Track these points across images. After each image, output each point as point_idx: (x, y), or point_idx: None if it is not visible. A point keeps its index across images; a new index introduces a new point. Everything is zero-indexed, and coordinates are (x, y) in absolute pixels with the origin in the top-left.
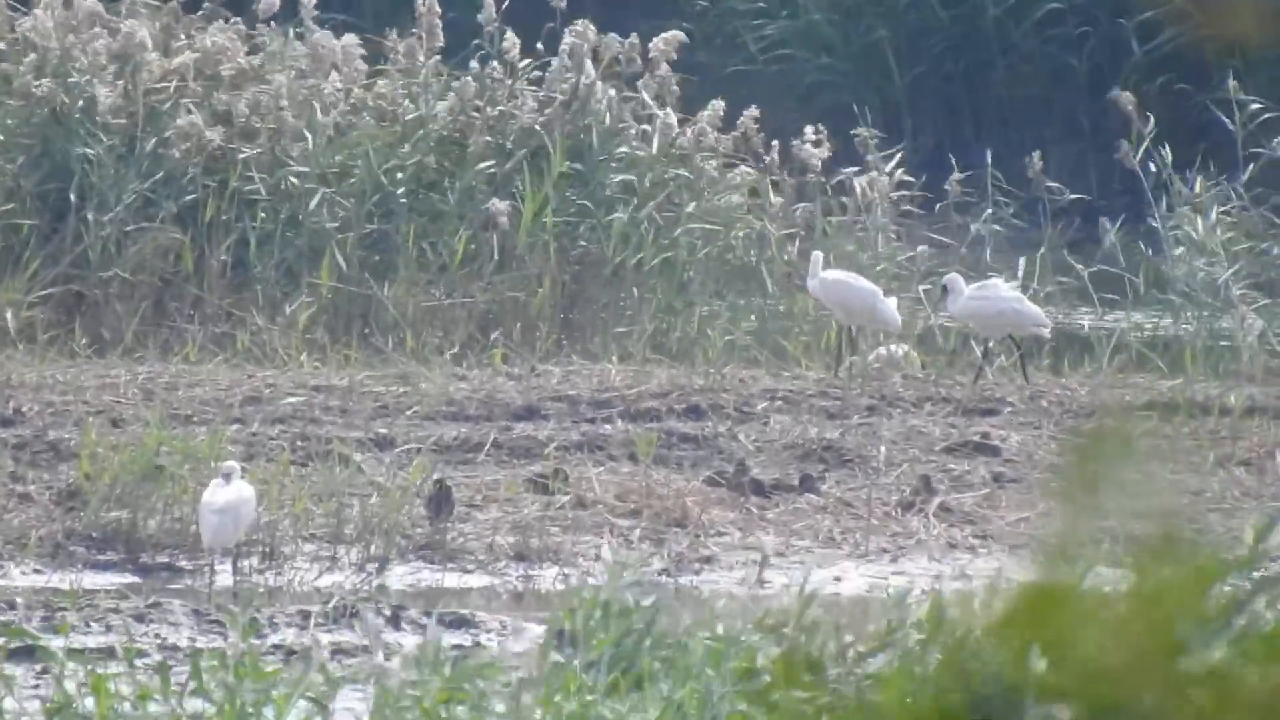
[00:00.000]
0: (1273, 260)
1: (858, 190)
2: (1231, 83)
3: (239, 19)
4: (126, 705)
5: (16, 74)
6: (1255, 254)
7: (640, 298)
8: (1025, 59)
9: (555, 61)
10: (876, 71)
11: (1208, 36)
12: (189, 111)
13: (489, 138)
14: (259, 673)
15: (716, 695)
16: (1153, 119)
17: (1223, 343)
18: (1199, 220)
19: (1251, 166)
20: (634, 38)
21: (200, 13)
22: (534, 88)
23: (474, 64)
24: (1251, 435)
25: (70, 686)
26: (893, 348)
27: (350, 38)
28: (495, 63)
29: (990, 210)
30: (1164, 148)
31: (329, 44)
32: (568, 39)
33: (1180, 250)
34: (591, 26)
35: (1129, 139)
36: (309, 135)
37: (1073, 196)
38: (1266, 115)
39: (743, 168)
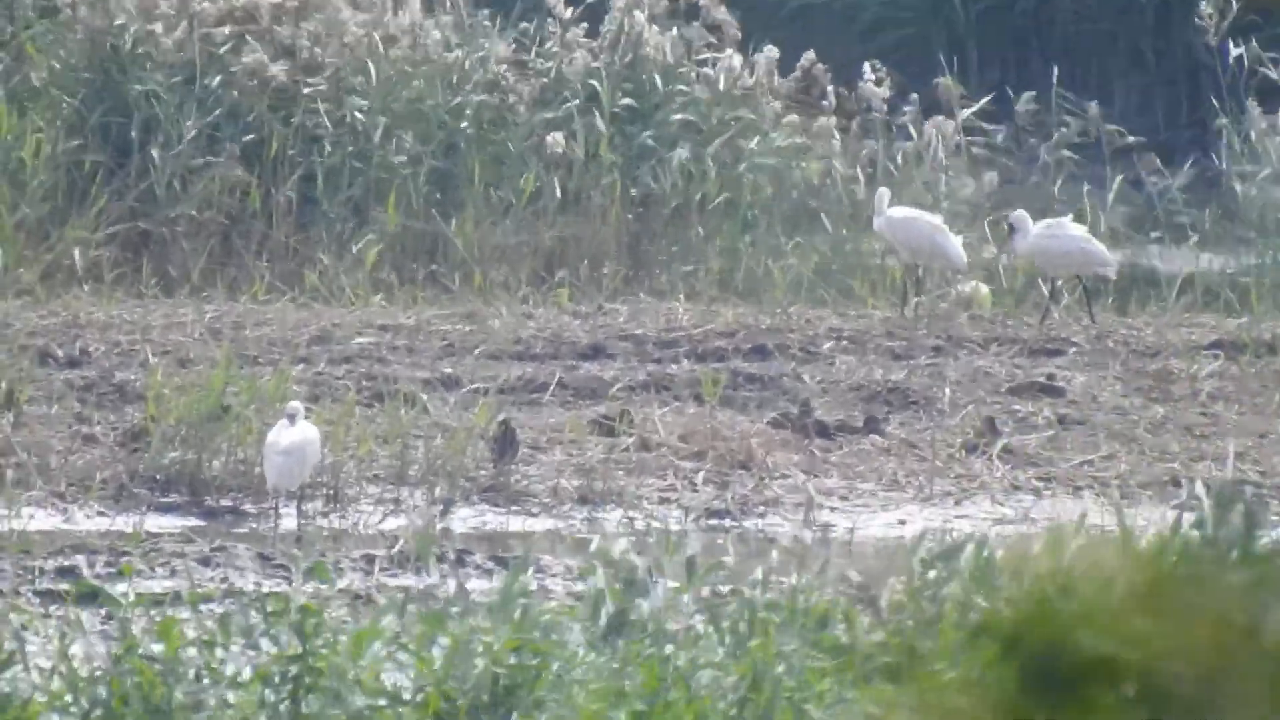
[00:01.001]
0: None
1: (929, 134)
2: None
3: None
4: (192, 650)
5: (65, 5)
6: None
7: (705, 236)
8: None
9: (611, 12)
10: (943, 5)
11: None
12: (250, 49)
13: (546, 80)
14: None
15: (789, 648)
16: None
17: None
18: (1272, 146)
19: None
20: None
21: None
22: (588, 40)
23: (524, 24)
24: None
25: (135, 630)
26: (964, 285)
27: None
28: (550, 17)
29: (1059, 133)
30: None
31: None
32: None
33: (1259, 172)
34: None
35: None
36: (373, 69)
37: (1133, 139)
38: None
39: (793, 116)
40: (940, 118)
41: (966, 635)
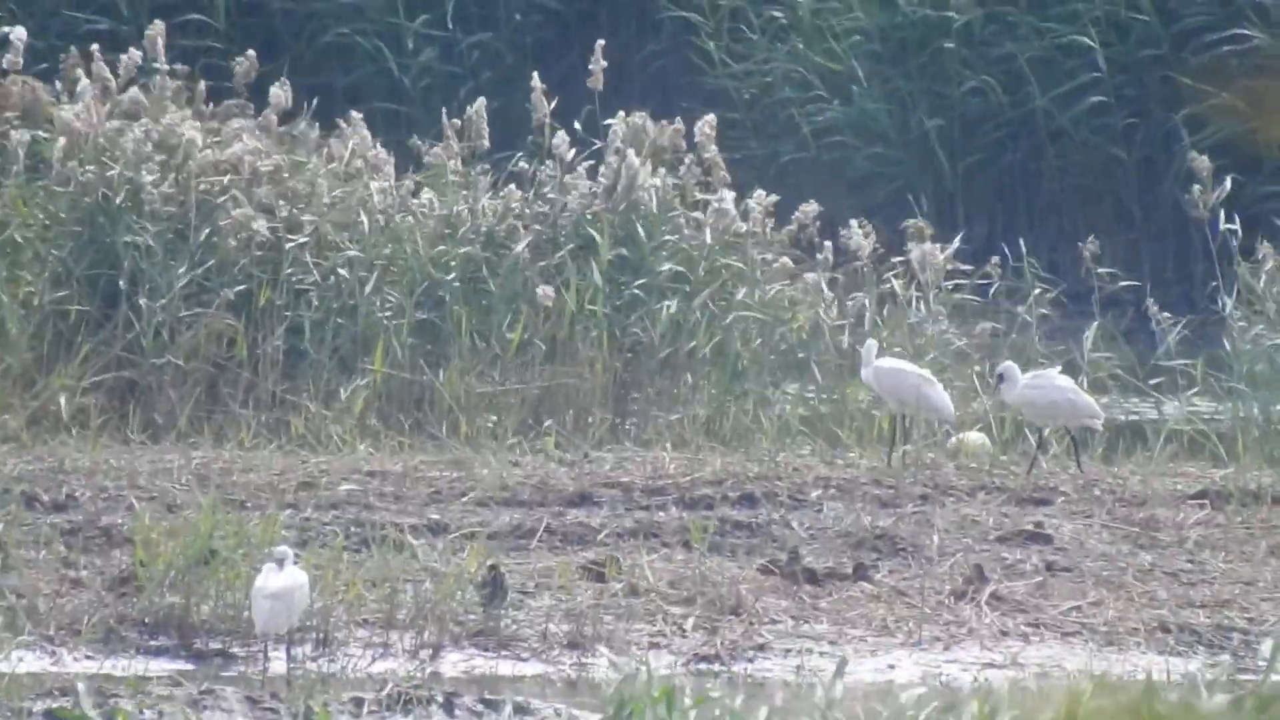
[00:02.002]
0: None
1: (914, 266)
2: None
3: (259, 115)
4: None
5: (56, 160)
6: None
7: (694, 385)
8: (1076, 149)
9: (608, 155)
10: (930, 160)
11: (1257, 130)
12: (236, 203)
13: (539, 226)
14: None
15: None
16: (1228, 181)
17: (1277, 430)
18: (1270, 298)
19: None
20: (678, 121)
21: (224, 104)
22: (588, 182)
23: (524, 164)
24: None
25: None
26: (964, 435)
27: (376, 152)
28: (549, 161)
29: (1036, 293)
30: (1234, 219)
31: (368, 150)
32: (614, 126)
33: (1251, 329)
34: (648, 117)
35: (1196, 202)
36: (364, 219)
37: (1125, 283)
38: None
39: (788, 261)
40: (924, 251)
41: None
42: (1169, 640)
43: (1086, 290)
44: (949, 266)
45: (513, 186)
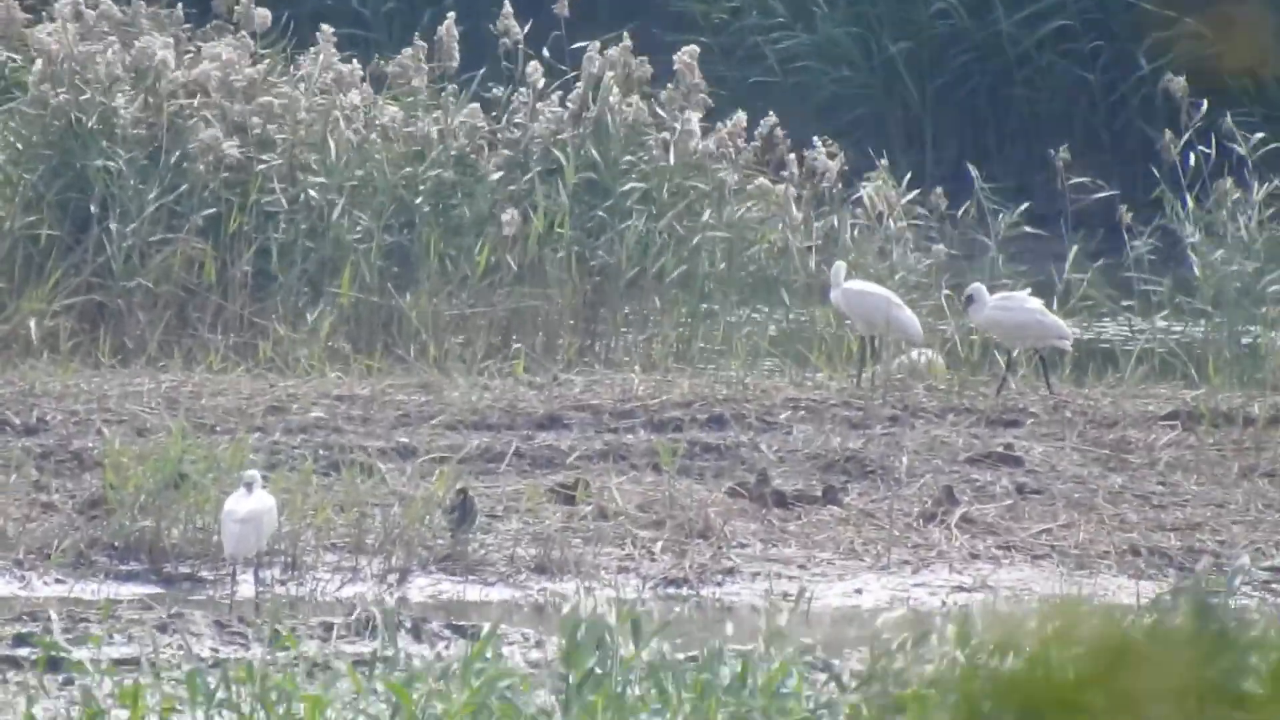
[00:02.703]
0: None
1: (866, 200)
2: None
3: (243, 33)
4: (154, 718)
5: (30, 83)
6: None
7: (662, 307)
8: (1043, 73)
9: (583, 81)
10: (897, 84)
11: (1219, 56)
12: (207, 124)
13: (508, 151)
14: (289, 682)
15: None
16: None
17: (1247, 351)
18: (1240, 219)
19: (1264, 188)
20: (645, 61)
21: (205, 27)
22: (559, 109)
23: (496, 90)
24: (1276, 446)
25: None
26: (915, 354)
27: (353, 67)
28: (523, 89)
29: (1002, 216)
30: (1209, 145)
31: (339, 65)
32: (588, 54)
33: (1215, 252)
34: (629, 42)
35: (1165, 137)
36: (332, 144)
37: (1096, 196)
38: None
39: (761, 180)
40: (881, 182)
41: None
42: (1139, 563)
43: (1055, 213)
44: (910, 195)
45: (477, 105)
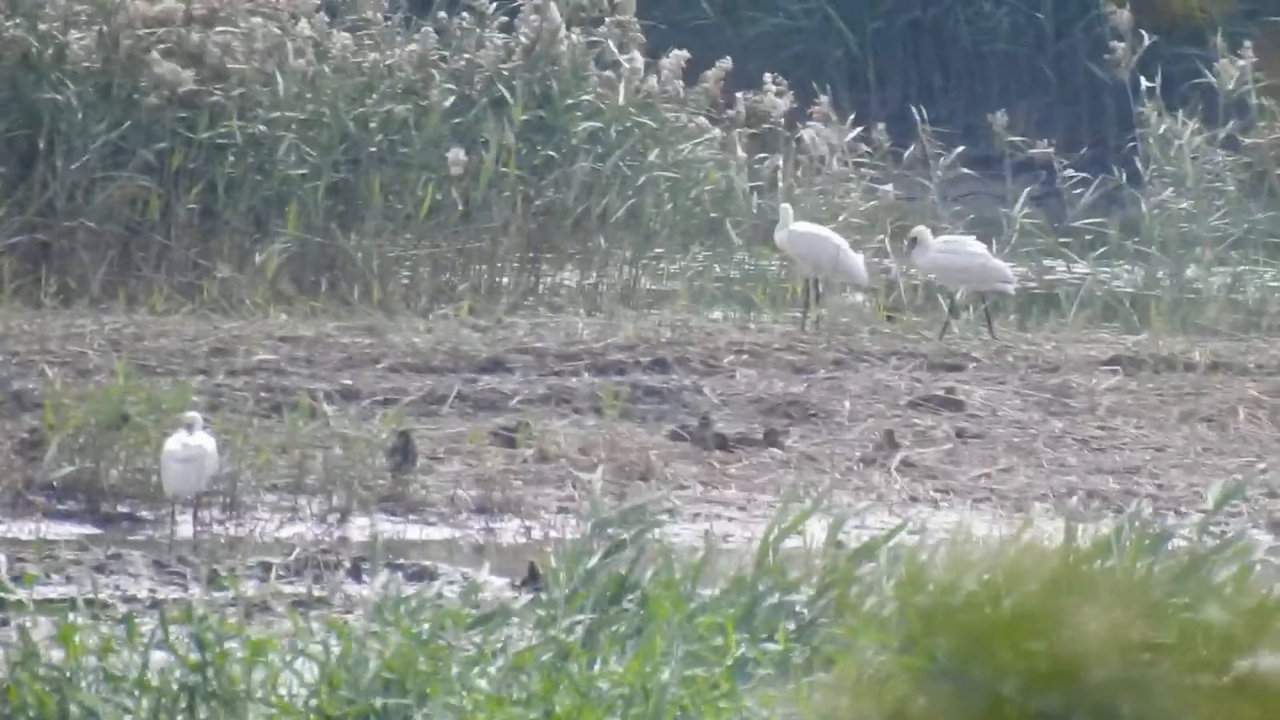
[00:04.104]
0: (1246, 214)
1: (808, 141)
2: (1218, 42)
3: None
4: (92, 658)
5: None
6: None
7: (607, 250)
8: (986, 15)
9: (524, 7)
10: (837, 24)
11: None
12: (167, 56)
13: (452, 85)
14: (225, 625)
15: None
16: (1145, 38)
17: (1189, 296)
18: (1186, 160)
19: (1231, 123)
20: None
21: None
22: (502, 34)
23: (441, 14)
24: (1215, 391)
25: (34, 637)
26: (853, 297)
27: None
28: (465, 14)
29: (943, 159)
30: (1155, 84)
31: None
32: None
33: (1162, 191)
34: None
35: (1117, 60)
36: (280, 78)
37: (1036, 150)
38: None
39: (700, 119)
40: (822, 125)
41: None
42: (1077, 506)
43: (999, 155)
44: (853, 132)
45: (429, 29)
